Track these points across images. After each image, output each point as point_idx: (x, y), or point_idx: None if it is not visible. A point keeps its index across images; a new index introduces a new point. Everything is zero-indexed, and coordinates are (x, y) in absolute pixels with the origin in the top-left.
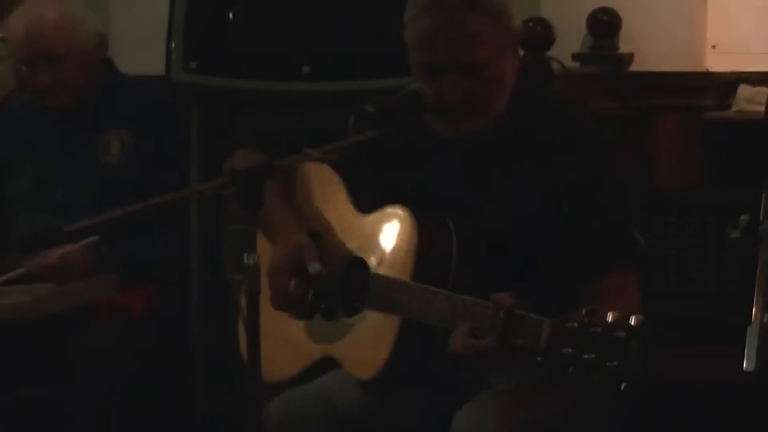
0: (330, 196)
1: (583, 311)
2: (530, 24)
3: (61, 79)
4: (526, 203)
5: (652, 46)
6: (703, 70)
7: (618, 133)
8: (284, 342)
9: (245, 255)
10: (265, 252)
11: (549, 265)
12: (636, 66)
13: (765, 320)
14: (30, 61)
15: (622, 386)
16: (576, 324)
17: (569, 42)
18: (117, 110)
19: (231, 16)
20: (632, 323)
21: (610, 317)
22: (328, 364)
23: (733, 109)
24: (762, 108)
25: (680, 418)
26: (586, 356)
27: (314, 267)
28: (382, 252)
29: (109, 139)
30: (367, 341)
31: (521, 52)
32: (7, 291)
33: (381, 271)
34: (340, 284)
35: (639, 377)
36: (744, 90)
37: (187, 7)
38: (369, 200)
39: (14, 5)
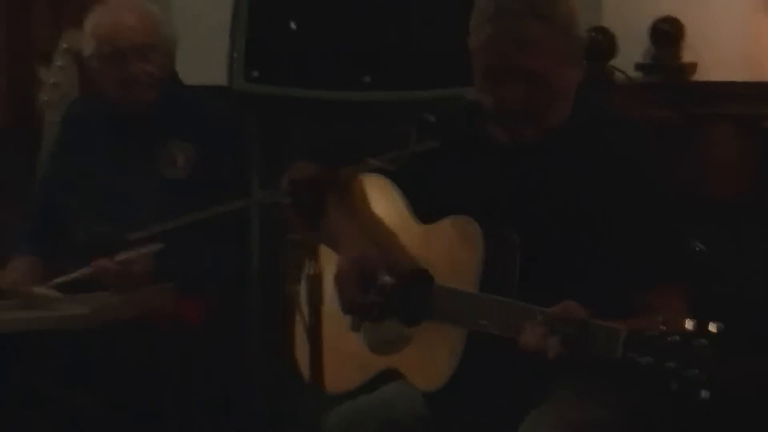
0: (390, 205)
1: (660, 319)
2: (592, 33)
3: (150, 72)
4: (585, 214)
5: (714, 55)
6: (765, 79)
7: (678, 143)
8: (345, 353)
9: (306, 264)
10: (327, 262)
11: (606, 277)
12: (698, 76)
13: None
14: (117, 55)
15: (703, 394)
16: (653, 332)
17: (632, 51)
18: (179, 122)
19: (293, 25)
20: (711, 330)
21: (688, 325)
22: (389, 375)
23: None
24: None
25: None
26: (664, 365)
27: (385, 277)
28: (446, 262)
29: (173, 152)
30: (432, 352)
31: (583, 61)
32: (66, 301)
33: (445, 281)
34: (403, 295)
35: (719, 385)
36: None
37: (249, 17)
38: (429, 210)
39: (77, 14)
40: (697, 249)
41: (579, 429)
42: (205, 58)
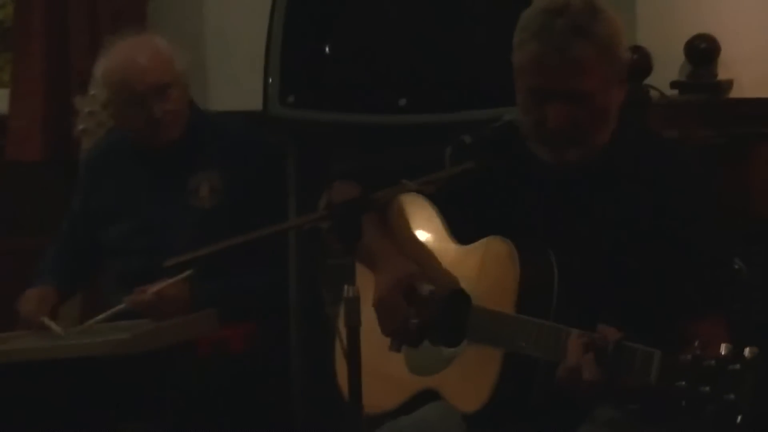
0: (427, 227)
1: (696, 343)
2: (629, 53)
3: (171, 109)
4: (625, 236)
5: (750, 72)
6: None
7: (716, 161)
8: (384, 375)
9: (345, 287)
10: (365, 284)
11: (645, 300)
12: (735, 93)
13: None
14: (136, 98)
15: (738, 419)
16: (689, 356)
17: (667, 69)
18: (205, 150)
19: (327, 49)
20: (747, 355)
21: (723, 350)
22: (428, 396)
23: None
24: None
25: None
26: (699, 389)
27: (426, 288)
28: (484, 283)
29: (198, 182)
30: (471, 373)
31: None
32: (108, 328)
33: (482, 303)
34: (442, 315)
35: (756, 410)
36: None
37: (283, 42)
38: (467, 231)
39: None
40: (737, 267)
41: None
42: (240, 83)
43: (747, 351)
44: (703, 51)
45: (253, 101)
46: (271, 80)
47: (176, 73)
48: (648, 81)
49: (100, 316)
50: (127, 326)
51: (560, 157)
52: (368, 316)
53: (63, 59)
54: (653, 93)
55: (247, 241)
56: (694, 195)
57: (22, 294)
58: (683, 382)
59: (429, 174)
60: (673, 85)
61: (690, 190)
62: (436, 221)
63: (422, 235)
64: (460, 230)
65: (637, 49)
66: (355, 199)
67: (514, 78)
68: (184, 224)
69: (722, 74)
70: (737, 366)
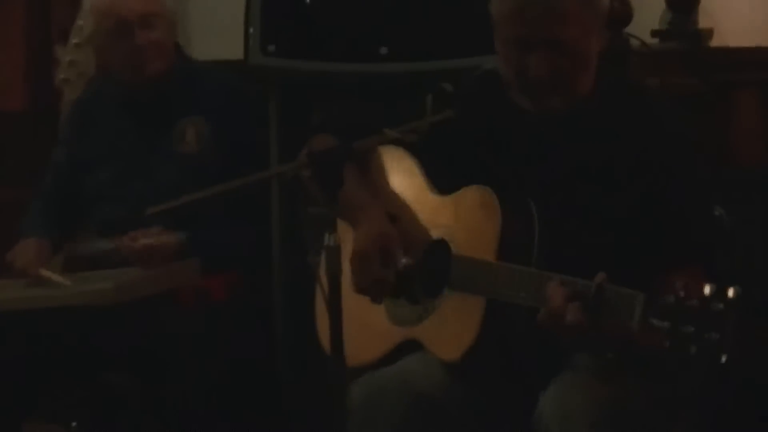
0: (407, 177)
1: (678, 284)
2: (609, 1)
3: (158, 41)
4: (605, 185)
5: (731, 21)
6: None
7: (697, 109)
8: (365, 326)
9: (326, 236)
10: (345, 234)
11: (625, 249)
12: (715, 41)
13: None
14: (121, 27)
15: (723, 359)
16: (672, 297)
17: (648, 18)
18: (192, 98)
19: None
20: (730, 295)
21: (706, 290)
22: (410, 347)
23: None
24: None
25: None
26: (683, 330)
27: (403, 260)
28: (464, 233)
29: (184, 128)
30: (452, 322)
31: None
32: (91, 277)
33: (463, 251)
34: (422, 266)
35: (738, 350)
36: None
37: None
38: (447, 181)
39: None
40: (717, 214)
41: (601, 397)
42: (221, 32)
43: (731, 291)
44: None
45: (234, 51)
46: (252, 29)
47: (163, 4)
48: (628, 29)
49: (85, 250)
50: (109, 275)
51: (542, 106)
52: (348, 269)
53: (44, 10)
54: (633, 41)
55: (230, 189)
56: (674, 144)
57: (8, 243)
58: (666, 323)
59: (409, 123)
60: (654, 33)
61: (669, 139)
62: (416, 172)
63: (402, 185)
64: (441, 180)
65: None
66: (337, 147)
67: (493, 28)
68: (169, 170)
69: (703, 23)
70: (720, 305)
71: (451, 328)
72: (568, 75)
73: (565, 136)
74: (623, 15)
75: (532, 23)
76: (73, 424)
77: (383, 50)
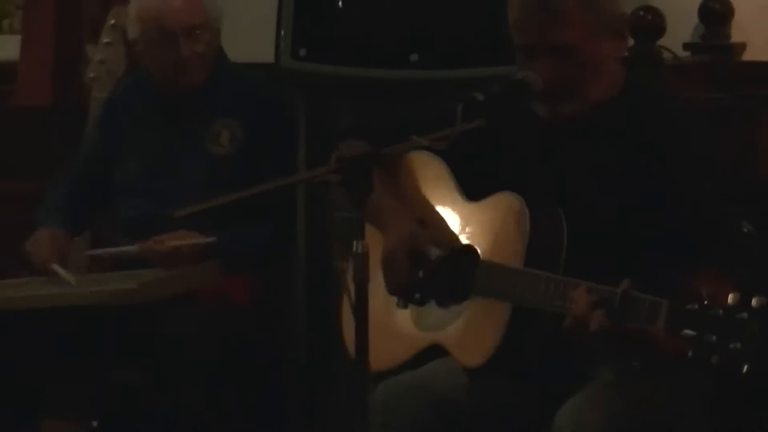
0: (437, 183)
1: (703, 292)
2: (641, 13)
3: (199, 51)
4: (630, 192)
5: (764, 34)
6: None
7: (726, 123)
8: (391, 331)
9: (354, 243)
10: (374, 240)
11: (653, 256)
12: (747, 55)
13: None
14: (166, 37)
15: (744, 369)
16: (696, 305)
17: (680, 31)
18: (227, 100)
19: (340, 3)
20: (754, 305)
21: (731, 299)
22: (434, 352)
23: None
24: None
25: None
26: (706, 338)
27: (434, 251)
28: (493, 239)
29: (218, 129)
30: (476, 328)
31: (631, 41)
32: (114, 277)
33: (491, 257)
34: (449, 271)
35: (762, 360)
36: None
37: None
38: (477, 187)
39: None
40: (746, 230)
41: (618, 412)
42: (252, 36)
43: (755, 300)
44: (716, 12)
45: (266, 54)
46: (283, 33)
47: (208, 16)
48: (661, 42)
49: (108, 251)
50: (133, 275)
51: (553, 113)
52: (376, 273)
53: (74, 7)
54: (666, 54)
55: (257, 194)
56: (701, 149)
57: (30, 236)
58: (690, 331)
59: (440, 130)
60: (686, 46)
61: (696, 144)
62: (446, 177)
63: (431, 191)
64: (470, 187)
65: (650, 10)
66: (366, 153)
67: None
68: (198, 169)
69: (735, 36)
70: (744, 315)
71: (474, 334)
72: (574, 79)
73: (583, 142)
74: (656, 28)
75: (532, 29)
76: (94, 423)
77: (414, 57)
